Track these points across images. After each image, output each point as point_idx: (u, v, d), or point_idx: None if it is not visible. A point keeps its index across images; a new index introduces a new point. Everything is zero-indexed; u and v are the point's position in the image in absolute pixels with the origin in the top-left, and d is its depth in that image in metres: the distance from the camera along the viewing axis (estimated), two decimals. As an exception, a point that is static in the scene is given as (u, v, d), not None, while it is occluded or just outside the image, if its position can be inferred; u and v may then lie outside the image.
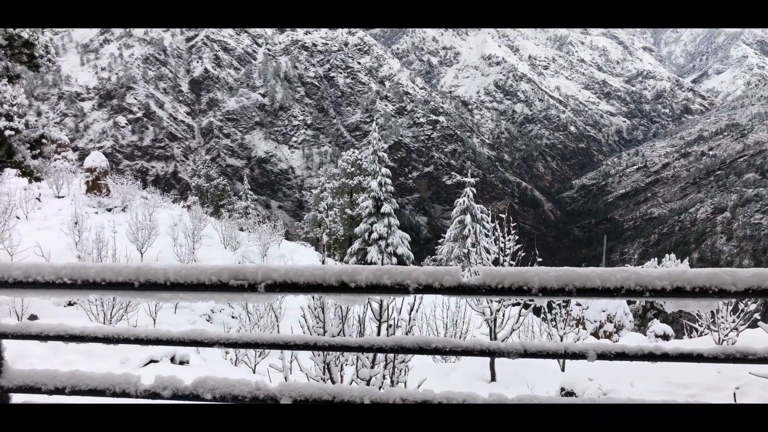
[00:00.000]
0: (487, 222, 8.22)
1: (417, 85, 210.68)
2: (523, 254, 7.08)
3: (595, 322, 17.92)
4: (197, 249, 19.85)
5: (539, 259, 6.96)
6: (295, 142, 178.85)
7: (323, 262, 5.86)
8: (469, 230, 30.78)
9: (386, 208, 32.49)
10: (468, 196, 30.99)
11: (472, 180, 31.28)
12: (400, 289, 1.75)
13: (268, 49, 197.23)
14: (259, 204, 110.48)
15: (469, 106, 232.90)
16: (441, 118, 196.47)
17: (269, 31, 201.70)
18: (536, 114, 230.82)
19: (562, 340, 10.14)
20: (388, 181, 33.11)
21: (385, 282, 1.74)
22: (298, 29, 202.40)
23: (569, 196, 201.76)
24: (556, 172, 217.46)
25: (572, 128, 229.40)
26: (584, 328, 16.23)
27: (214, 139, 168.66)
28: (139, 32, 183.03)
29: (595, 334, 17.58)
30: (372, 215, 32.66)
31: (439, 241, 37.50)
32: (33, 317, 10.68)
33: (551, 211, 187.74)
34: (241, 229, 27.72)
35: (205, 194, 46.79)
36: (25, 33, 10.58)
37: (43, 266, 1.80)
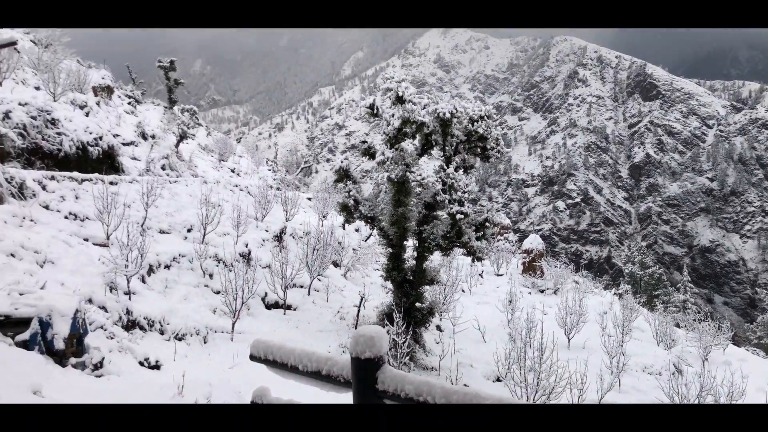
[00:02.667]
0: None
1: None
2: None
3: None
4: (626, 342, 18.59)
5: None
6: (748, 231, 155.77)
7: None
8: None
9: None
10: None
11: None
12: None
13: (720, 130, 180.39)
14: (699, 298, 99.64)
15: None
16: None
17: (722, 111, 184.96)
18: None
19: None
20: None
21: None
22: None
23: None
24: None
25: None
26: None
27: (652, 225, 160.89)
28: (583, 122, 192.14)
29: None
30: None
31: None
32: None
33: None
34: (678, 326, 25.26)
35: (639, 282, 44.45)
36: (481, 128, 11.85)
37: (434, 386, 1.54)
